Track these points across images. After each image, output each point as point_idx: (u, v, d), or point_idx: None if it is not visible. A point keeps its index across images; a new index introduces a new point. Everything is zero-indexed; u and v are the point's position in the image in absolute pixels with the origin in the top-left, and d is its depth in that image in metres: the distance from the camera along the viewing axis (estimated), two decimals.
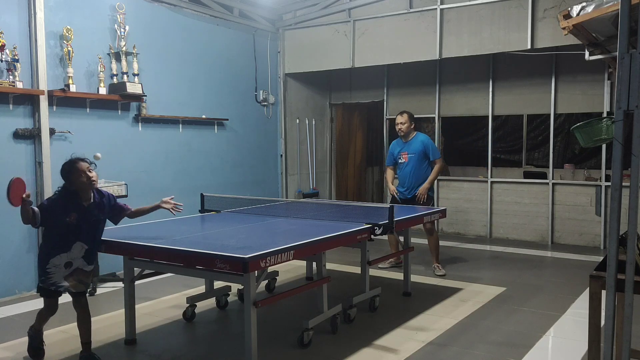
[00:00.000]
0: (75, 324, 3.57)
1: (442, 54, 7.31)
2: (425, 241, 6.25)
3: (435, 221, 8.04)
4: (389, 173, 6.31)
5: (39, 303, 3.73)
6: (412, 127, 6.02)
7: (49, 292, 3.48)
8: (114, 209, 3.68)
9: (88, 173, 3.42)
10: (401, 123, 5.97)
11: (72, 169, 3.40)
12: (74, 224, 3.40)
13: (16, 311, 4.74)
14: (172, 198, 3.86)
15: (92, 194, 3.49)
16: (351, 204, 5.53)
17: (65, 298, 3.55)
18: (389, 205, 4.29)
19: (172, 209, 3.82)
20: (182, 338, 4.17)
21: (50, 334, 4.05)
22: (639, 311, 2.67)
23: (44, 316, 3.61)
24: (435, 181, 6.86)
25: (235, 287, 4.94)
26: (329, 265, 4.84)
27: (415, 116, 5.96)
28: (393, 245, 6.00)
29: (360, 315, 4.44)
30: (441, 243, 7.68)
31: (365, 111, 9.91)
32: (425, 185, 5.90)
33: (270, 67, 8.34)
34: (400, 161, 6.07)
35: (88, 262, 3.54)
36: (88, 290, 3.73)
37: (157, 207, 3.81)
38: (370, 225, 4.07)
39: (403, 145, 6.07)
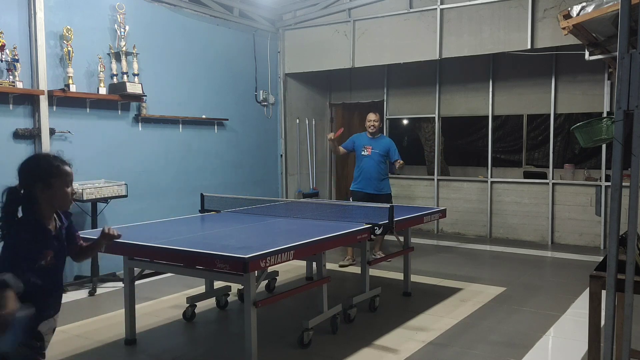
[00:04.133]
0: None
1: (442, 54, 7.31)
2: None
3: (436, 221, 8.10)
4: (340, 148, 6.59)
5: None
6: (381, 126, 6.56)
7: None
8: (71, 235, 2.39)
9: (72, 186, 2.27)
10: (374, 120, 6.44)
11: (58, 172, 2.19)
12: (50, 267, 2.18)
13: None
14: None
15: (55, 215, 2.27)
16: (351, 204, 5.52)
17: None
18: (389, 205, 4.29)
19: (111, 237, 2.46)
20: (182, 338, 4.17)
21: None
22: (639, 311, 2.67)
23: None
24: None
25: (235, 287, 4.93)
26: (329, 265, 4.84)
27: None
28: (349, 250, 6.36)
29: (360, 315, 4.44)
30: (441, 243, 7.72)
31: (365, 111, 9.87)
32: (401, 161, 6.25)
33: (270, 67, 8.34)
34: (363, 153, 6.39)
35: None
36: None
37: (99, 242, 2.48)
38: (370, 225, 4.07)
39: (369, 140, 6.44)
